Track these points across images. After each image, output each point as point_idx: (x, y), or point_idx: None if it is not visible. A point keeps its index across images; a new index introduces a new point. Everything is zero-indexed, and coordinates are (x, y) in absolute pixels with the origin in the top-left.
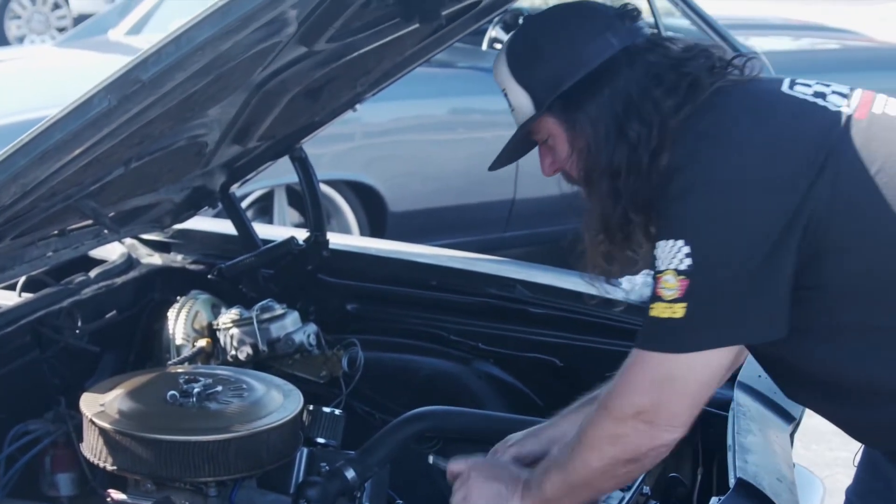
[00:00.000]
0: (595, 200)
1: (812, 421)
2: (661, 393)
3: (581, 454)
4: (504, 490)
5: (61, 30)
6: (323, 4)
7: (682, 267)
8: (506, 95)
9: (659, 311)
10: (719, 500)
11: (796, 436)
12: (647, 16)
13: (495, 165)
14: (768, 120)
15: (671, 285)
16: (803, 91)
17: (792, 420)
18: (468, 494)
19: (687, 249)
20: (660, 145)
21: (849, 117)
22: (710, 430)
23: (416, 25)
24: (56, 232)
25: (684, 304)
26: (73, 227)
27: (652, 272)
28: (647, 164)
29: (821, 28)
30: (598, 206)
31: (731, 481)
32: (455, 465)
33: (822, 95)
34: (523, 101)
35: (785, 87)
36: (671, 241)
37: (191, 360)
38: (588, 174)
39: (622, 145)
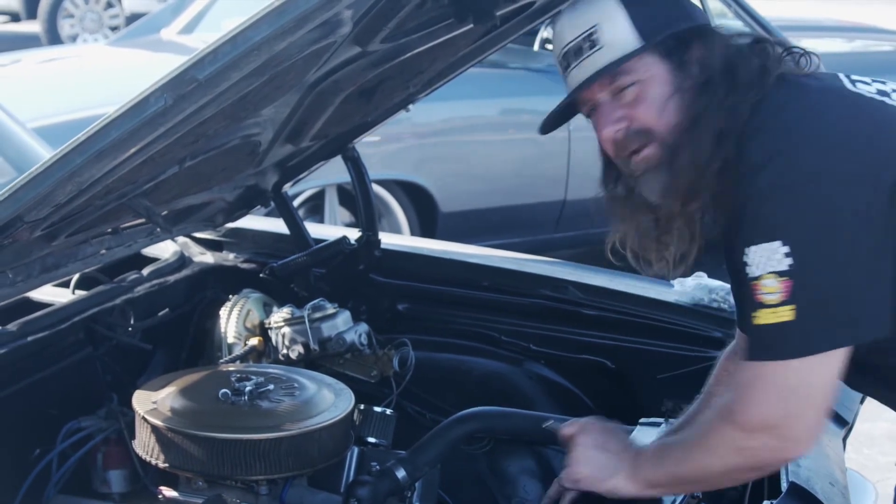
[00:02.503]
0: (687, 150)
1: (864, 425)
2: (789, 406)
3: (701, 456)
4: (610, 463)
5: (114, 29)
6: (378, 5)
7: (783, 268)
8: (591, 33)
9: (765, 318)
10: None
11: (848, 440)
12: None
13: (545, 128)
14: (852, 115)
15: (773, 289)
16: (867, 89)
17: (844, 424)
18: (574, 460)
19: (785, 249)
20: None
21: None
22: None
23: (470, 26)
24: (109, 230)
25: (792, 307)
26: (127, 225)
27: (701, 277)
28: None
29: (874, 30)
30: (689, 155)
31: (784, 485)
32: (567, 429)
33: (886, 94)
34: (624, 36)
35: (848, 84)
36: (765, 244)
37: (242, 358)
38: (695, 119)
39: (732, 95)
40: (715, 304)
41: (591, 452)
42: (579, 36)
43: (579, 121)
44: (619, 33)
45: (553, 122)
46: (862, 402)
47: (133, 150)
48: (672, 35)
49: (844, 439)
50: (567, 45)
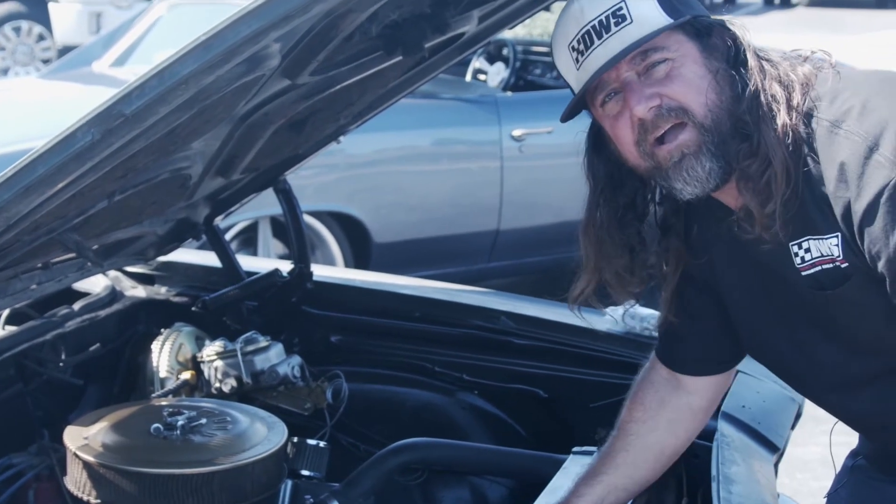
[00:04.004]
0: (739, 134)
1: (796, 450)
2: None
3: None
4: None
5: (46, 61)
6: (306, 38)
7: None
8: (618, 8)
9: None
10: None
11: (780, 465)
12: None
13: (565, 117)
14: None
15: None
16: None
17: (776, 450)
18: None
19: None
20: None
21: None
22: (694, 461)
23: (400, 58)
24: (40, 265)
25: None
26: (57, 259)
27: (634, 304)
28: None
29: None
30: (744, 141)
31: None
32: None
33: None
34: (652, 12)
35: None
36: None
37: (175, 392)
38: (737, 101)
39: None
40: (646, 333)
41: None
42: (605, 12)
43: (512, 151)
44: (647, 9)
45: (572, 110)
46: (793, 427)
47: (61, 185)
48: (696, 18)
49: (776, 465)
50: (589, 22)
